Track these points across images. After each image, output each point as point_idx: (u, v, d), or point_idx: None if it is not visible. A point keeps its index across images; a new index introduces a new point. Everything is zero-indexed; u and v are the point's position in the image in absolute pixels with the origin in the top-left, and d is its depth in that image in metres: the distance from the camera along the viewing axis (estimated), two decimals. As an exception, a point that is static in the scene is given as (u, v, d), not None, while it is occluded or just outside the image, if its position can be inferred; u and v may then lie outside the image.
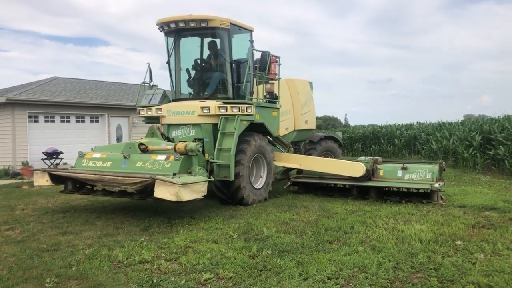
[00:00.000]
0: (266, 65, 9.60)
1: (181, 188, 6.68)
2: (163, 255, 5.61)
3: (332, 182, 10.15)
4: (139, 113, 10.26)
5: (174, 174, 7.16)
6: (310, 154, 11.60)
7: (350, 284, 4.50)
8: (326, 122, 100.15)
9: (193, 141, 8.53)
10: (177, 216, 7.98)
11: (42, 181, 8.54)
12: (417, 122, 27.34)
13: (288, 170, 11.23)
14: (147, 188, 7.23)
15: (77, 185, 8.71)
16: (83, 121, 19.15)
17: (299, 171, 10.81)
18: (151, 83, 10.45)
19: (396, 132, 24.51)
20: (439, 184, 8.79)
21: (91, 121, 19.46)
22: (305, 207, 8.80)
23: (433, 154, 19.42)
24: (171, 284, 4.55)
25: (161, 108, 9.71)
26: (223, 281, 4.67)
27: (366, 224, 7.13)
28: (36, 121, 17.48)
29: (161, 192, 6.77)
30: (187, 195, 6.82)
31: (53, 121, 18.07)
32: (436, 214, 7.81)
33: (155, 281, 4.65)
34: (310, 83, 13.07)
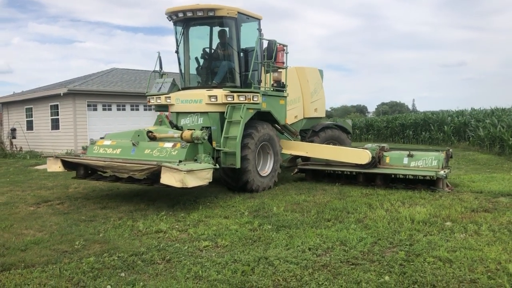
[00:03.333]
0: (272, 54, 9.63)
1: (186, 175, 6.95)
2: (177, 226, 6.48)
3: (338, 169, 10.30)
4: (149, 101, 10.49)
5: (180, 161, 7.48)
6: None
7: (327, 254, 5.10)
8: (393, 108, 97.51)
9: (200, 129, 8.76)
10: (203, 196, 8.83)
11: (55, 167, 8.83)
12: (471, 108, 26.65)
13: (296, 157, 11.38)
14: (154, 175, 7.54)
15: (89, 171, 9.00)
16: (137, 109, 20.65)
17: (305, 159, 11.01)
18: (161, 72, 10.73)
19: (447, 119, 24.08)
20: (445, 172, 8.91)
21: (145, 109, 20.90)
22: (324, 190, 9.34)
23: (480, 142, 19.05)
24: (174, 249, 5.38)
25: (170, 97, 9.92)
26: (219, 248, 5.44)
27: (371, 206, 7.61)
28: (95, 109, 19.14)
29: (167, 178, 7.05)
30: (192, 182, 7.08)
31: (110, 109, 19.69)
32: (446, 199, 8.09)
33: (161, 246, 5.51)
34: (320, 71, 12.97)
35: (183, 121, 9.82)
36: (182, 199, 8.49)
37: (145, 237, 6.00)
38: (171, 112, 10.13)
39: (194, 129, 8.71)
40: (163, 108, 10.49)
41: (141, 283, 4.33)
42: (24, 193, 9.75)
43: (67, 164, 8.86)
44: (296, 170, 10.99)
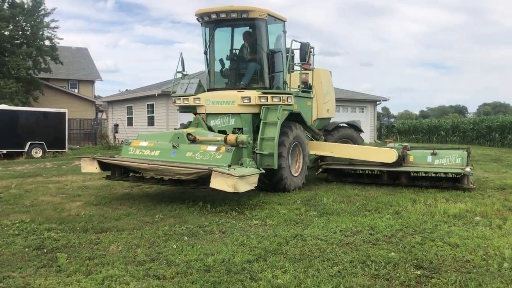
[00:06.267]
0: (305, 56, 9.71)
1: (239, 180, 7.00)
2: (237, 208, 7.75)
3: (363, 168, 10.56)
4: (174, 102, 10.46)
5: (229, 166, 7.54)
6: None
7: (354, 236, 6.04)
8: (496, 109, 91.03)
9: (232, 131, 9.12)
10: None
11: (91, 168, 8.67)
12: None
13: (319, 157, 11.45)
14: (202, 179, 7.67)
15: (122, 172, 8.95)
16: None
17: (323, 158, 11.18)
18: (184, 73, 10.70)
19: (536, 122, 23.03)
20: (470, 169, 9.24)
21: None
22: (379, 186, 10.10)
23: None
24: (230, 225, 6.65)
25: (199, 98, 9.90)
26: (266, 227, 6.61)
27: (415, 201, 8.28)
28: (184, 108, 21.20)
29: (218, 183, 7.08)
30: (243, 187, 7.13)
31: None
32: (492, 198, 8.52)
33: (221, 222, 6.81)
34: (330, 72, 12.89)
35: (212, 122, 9.86)
36: (248, 188, 9.75)
37: (210, 215, 7.35)
38: (201, 114, 10.08)
39: (225, 130, 9.23)
40: (189, 109, 10.57)
41: (199, 246, 5.63)
42: (121, 179, 11.65)
43: (103, 165, 8.76)
44: (320, 169, 11.23)
